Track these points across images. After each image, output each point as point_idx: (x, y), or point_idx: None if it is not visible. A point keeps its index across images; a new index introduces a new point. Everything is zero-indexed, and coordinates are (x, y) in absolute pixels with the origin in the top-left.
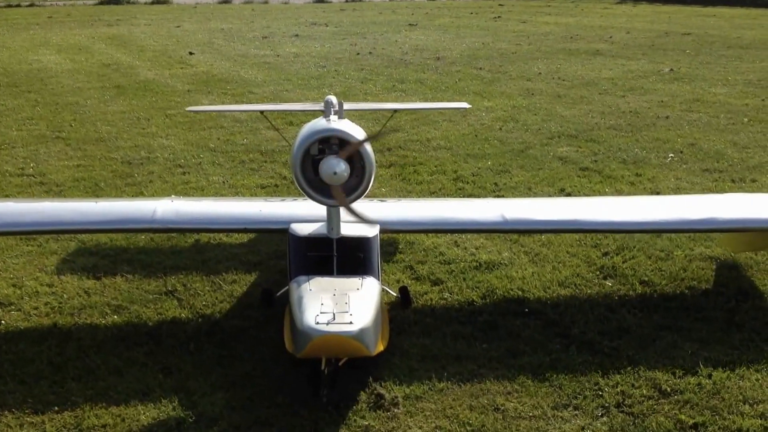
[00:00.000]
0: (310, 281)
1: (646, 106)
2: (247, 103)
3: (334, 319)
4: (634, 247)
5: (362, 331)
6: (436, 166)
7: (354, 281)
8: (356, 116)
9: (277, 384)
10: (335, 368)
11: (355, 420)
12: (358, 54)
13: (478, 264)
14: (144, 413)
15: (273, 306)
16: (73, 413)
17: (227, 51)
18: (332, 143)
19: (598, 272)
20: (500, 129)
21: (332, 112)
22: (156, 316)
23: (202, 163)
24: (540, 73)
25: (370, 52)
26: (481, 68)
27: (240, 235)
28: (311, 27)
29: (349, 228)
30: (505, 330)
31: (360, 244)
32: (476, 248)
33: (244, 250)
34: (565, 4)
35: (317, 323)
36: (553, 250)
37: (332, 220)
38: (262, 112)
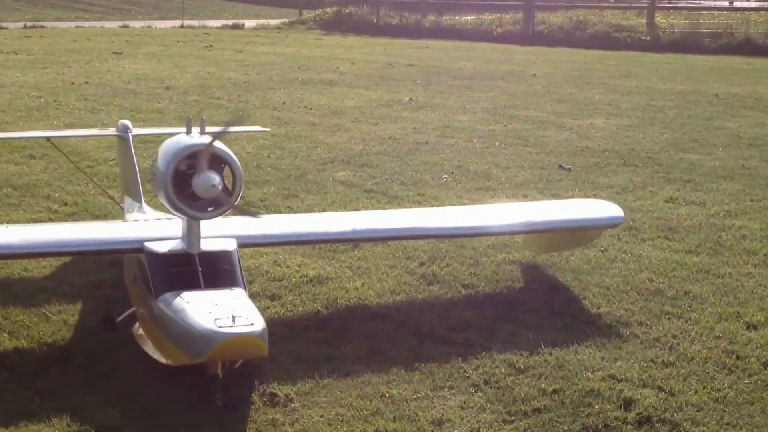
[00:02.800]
0: (183, 295)
1: (402, 132)
2: None
3: (234, 322)
4: (445, 257)
5: (263, 330)
6: None
7: (226, 292)
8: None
9: (165, 395)
10: (228, 372)
11: (258, 416)
12: (73, 83)
13: (308, 279)
14: None
15: (116, 330)
16: None
17: None
18: (200, 159)
19: (421, 279)
20: (269, 156)
21: (192, 130)
22: None
23: None
24: (284, 102)
25: (86, 81)
26: (219, 98)
27: (42, 269)
28: None
29: (207, 243)
30: (361, 332)
31: (222, 257)
32: (299, 265)
33: (54, 283)
34: (273, 35)
35: (220, 327)
36: (372, 263)
37: (192, 235)
38: (48, 138)
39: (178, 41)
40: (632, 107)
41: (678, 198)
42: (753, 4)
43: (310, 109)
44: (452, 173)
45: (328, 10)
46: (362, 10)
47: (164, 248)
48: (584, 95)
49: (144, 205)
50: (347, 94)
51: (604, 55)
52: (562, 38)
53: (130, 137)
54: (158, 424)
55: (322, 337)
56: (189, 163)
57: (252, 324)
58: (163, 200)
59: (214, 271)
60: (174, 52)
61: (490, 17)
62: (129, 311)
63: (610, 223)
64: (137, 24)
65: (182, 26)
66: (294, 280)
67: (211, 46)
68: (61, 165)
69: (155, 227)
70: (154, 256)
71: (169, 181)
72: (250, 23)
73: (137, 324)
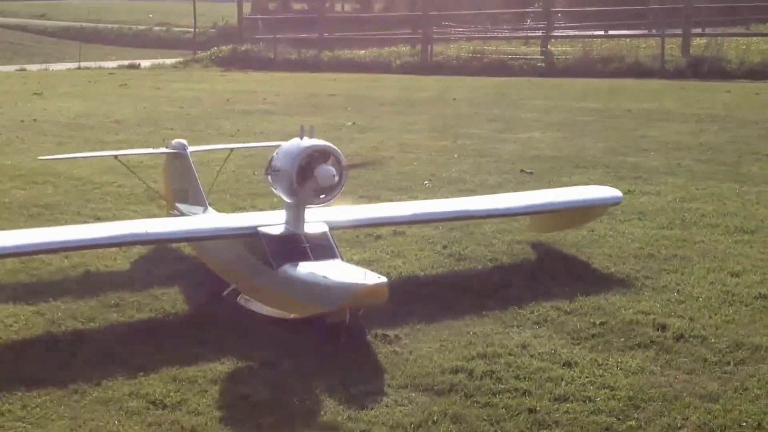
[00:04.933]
0: (301, 265)
1: (364, 150)
2: None
3: (366, 276)
4: (461, 241)
5: (387, 282)
6: None
7: (333, 261)
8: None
9: (296, 342)
10: (355, 318)
11: (380, 350)
12: (23, 121)
13: (354, 262)
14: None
15: (221, 300)
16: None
17: None
18: (316, 155)
19: (450, 257)
20: (254, 174)
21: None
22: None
23: None
24: (238, 130)
25: (34, 120)
26: (172, 128)
27: (116, 264)
28: None
29: (307, 227)
30: (424, 295)
31: (322, 236)
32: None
33: (136, 276)
34: (179, 73)
35: (356, 280)
36: (402, 248)
37: (299, 219)
38: (116, 157)
39: (89, 81)
40: (559, 122)
41: (635, 190)
42: (626, 32)
43: (265, 134)
44: (430, 180)
45: (223, 48)
46: (258, 47)
47: (276, 231)
48: (510, 114)
49: (210, 208)
50: (290, 120)
51: (508, 80)
52: (459, 67)
53: (188, 153)
54: (301, 361)
55: (393, 299)
56: (307, 161)
57: (380, 277)
58: (284, 192)
59: (317, 247)
60: (94, 91)
61: (388, 50)
62: (231, 288)
63: (613, 202)
64: (33, 67)
65: (79, 68)
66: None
67: (125, 84)
68: (68, 189)
69: (250, 218)
70: (270, 237)
71: (294, 175)
72: (145, 63)
73: (241, 296)
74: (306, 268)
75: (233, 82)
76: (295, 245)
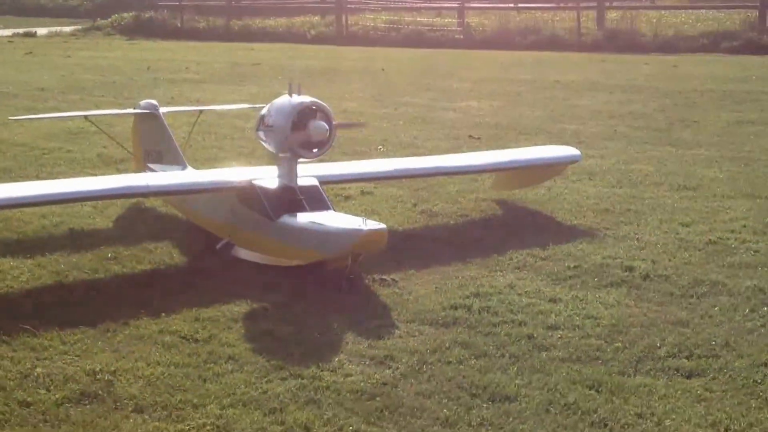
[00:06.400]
0: (299, 215)
1: None
2: None
3: (366, 223)
4: (429, 201)
5: (386, 229)
6: None
7: (327, 212)
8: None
9: (299, 287)
10: (355, 264)
11: (380, 292)
12: None
13: None
14: None
15: (216, 252)
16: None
17: None
18: (312, 110)
19: (422, 214)
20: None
21: (293, 92)
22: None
23: None
24: (173, 98)
25: None
26: (102, 95)
27: (109, 222)
28: None
29: (299, 181)
30: (407, 247)
31: (313, 189)
32: None
33: (129, 232)
34: (81, 41)
35: (359, 226)
36: (375, 207)
37: (293, 173)
38: (86, 117)
39: None
40: (493, 92)
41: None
42: (537, 4)
43: (203, 102)
44: (383, 145)
45: (125, 15)
46: (163, 15)
47: (272, 184)
48: (443, 84)
49: (189, 166)
50: (223, 89)
51: (430, 52)
52: (377, 38)
53: (161, 113)
54: (311, 303)
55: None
56: (299, 117)
57: (380, 223)
58: (277, 147)
59: (311, 199)
60: (1, 60)
61: (301, 20)
62: (224, 241)
63: (573, 160)
64: None
65: None
66: None
67: (30, 52)
68: (16, 154)
69: (242, 172)
70: (267, 190)
71: (289, 130)
72: (41, 31)
73: (237, 248)
74: (306, 218)
75: (146, 50)
76: (291, 197)
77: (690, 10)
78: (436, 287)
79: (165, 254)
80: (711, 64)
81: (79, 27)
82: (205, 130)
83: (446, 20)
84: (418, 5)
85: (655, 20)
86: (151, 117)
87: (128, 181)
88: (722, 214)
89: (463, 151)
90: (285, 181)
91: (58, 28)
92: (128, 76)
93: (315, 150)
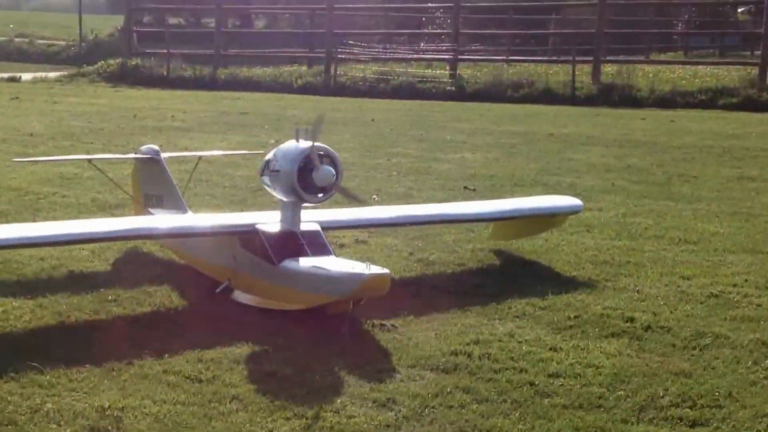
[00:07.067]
0: (301, 260)
1: None
2: None
3: (369, 268)
4: (425, 249)
5: (390, 274)
6: None
7: (329, 257)
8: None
9: (299, 331)
10: (356, 308)
11: (379, 337)
12: None
13: None
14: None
15: (215, 296)
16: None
17: None
18: (319, 156)
19: (418, 263)
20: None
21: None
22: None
23: None
24: (161, 146)
25: None
26: (92, 142)
27: (107, 265)
28: None
29: (302, 226)
30: (407, 293)
31: (316, 234)
32: None
33: (128, 275)
34: (66, 88)
35: (362, 271)
36: (371, 255)
37: (296, 217)
38: (89, 160)
39: None
40: (486, 144)
41: None
42: (527, 58)
43: (191, 150)
44: (378, 195)
45: (112, 62)
46: (149, 63)
47: (274, 229)
48: (435, 136)
49: (189, 211)
50: (210, 138)
51: (420, 103)
52: (366, 89)
53: (162, 158)
54: (312, 346)
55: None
56: (305, 161)
57: (383, 268)
58: (283, 192)
59: (313, 244)
60: None
61: (288, 69)
62: (223, 284)
63: (575, 210)
64: None
65: None
66: None
67: (17, 97)
68: (11, 199)
69: (245, 217)
70: (269, 234)
71: (295, 176)
72: (26, 76)
73: (237, 292)
74: (308, 262)
75: (132, 98)
76: (293, 242)
77: (687, 66)
78: (435, 333)
79: (164, 297)
80: (709, 120)
81: (65, 73)
82: (197, 178)
83: (437, 72)
84: (409, 57)
85: (651, 75)
86: (152, 162)
87: (134, 224)
88: (724, 268)
89: (459, 201)
90: (288, 225)
91: (43, 74)
92: (116, 123)
93: (320, 195)
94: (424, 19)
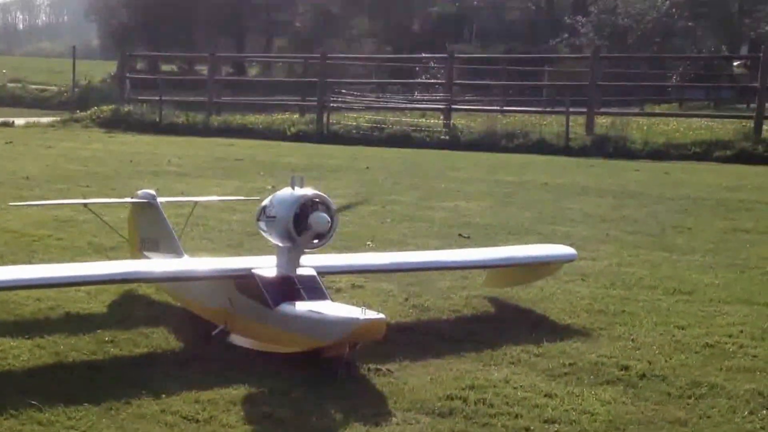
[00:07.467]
0: (297, 303)
1: None
2: None
3: (364, 312)
4: (420, 296)
5: (386, 319)
6: None
7: (324, 302)
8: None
9: (293, 374)
10: (351, 353)
11: (375, 382)
12: None
13: None
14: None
15: (210, 342)
16: None
17: None
18: (315, 203)
19: (413, 309)
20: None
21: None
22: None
23: None
24: (158, 190)
25: None
26: (88, 185)
27: (103, 306)
28: None
29: (298, 271)
30: (403, 340)
31: (311, 278)
32: None
33: (124, 316)
34: (59, 133)
35: (357, 315)
36: (365, 300)
37: (293, 262)
38: (85, 205)
39: None
40: (481, 193)
41: None
42: (520, 108)
43: (188, 195)
44: (372, 241)
45: (105, 108)
46: (142, 109)
47: (271, 273)
48: (430, 184)
49: (185, 255)
50: (207, 183)
51: (415, 152)
52: (359, 138)
53: (159, 203)
54: (308, 389)
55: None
56: (301, 208)
57: (379, 313)
58: (279, 238)
59: (309, 289)
60: None
61: (281, 117)
62: (220, 328)
63: (568, 259)
64: None
65: None
66: None
67: (11, 141)
68: (7, 241)
69: (242, 261)
70: (266, 278)
71: (291, 222)
72: (19, 121)
73: (233, 335)
74: (304, 306)
75: (126, 143)
76: (289, 286)
77: (681, 118)
78: (431, 378)
79: (161, 339)
80: (703, 173)
81: (57, 118)
82: (192, 222)
83: (431, 121)
84: (402, 106)
85: (645, 127)
86: (148, 206)
87: (131, 267)
88: (719, 318)
89: (454, 248)
90: (284, 270)
91: (36, 119)
92: (111, 168)
93: (315, 241)
94: (417, 68)
